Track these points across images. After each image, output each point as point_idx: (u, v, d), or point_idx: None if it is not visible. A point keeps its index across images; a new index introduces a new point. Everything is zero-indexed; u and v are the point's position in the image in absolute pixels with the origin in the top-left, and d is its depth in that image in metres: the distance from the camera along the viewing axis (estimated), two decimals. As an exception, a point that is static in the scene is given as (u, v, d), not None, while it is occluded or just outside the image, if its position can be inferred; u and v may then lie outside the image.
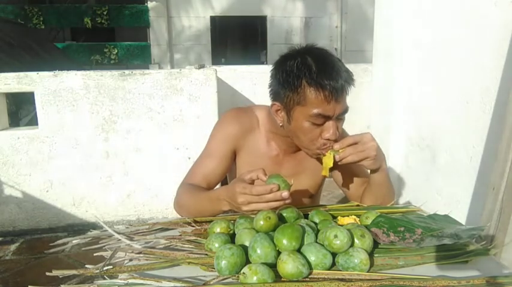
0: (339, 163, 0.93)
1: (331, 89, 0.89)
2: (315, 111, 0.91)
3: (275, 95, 1.00)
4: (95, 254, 0.79)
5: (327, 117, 0.93)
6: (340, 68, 0.93)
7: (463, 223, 0.87)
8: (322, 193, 1.33)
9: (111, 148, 2.70)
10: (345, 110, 0.95)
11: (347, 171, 1.12)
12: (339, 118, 0.96)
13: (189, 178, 1.10)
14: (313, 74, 0.90)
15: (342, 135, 0.99)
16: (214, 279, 0.68)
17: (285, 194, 0.80)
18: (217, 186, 1.14)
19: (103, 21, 9.15)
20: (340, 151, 0.92)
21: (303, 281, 0.66)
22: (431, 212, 0.92)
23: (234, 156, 1.12)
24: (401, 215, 0.89)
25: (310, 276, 0.68)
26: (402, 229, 0.80)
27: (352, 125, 1.22)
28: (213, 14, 9.10)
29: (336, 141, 0.95)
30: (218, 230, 0.83)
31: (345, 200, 1.13)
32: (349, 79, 0.93)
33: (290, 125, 0.98)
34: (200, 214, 0.97)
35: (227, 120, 1.11)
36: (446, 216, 0.89)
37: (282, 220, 0.85)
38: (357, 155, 0.92)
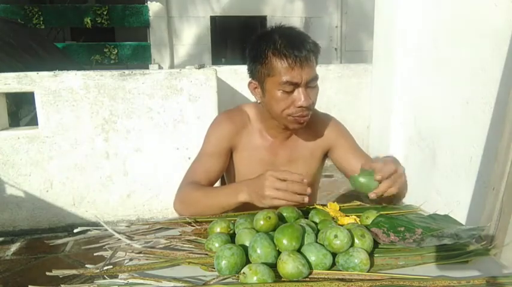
0: (381, 196, 0.87)
1: (293, 57, 0.95)
2: (283, 79, 0.97)
3: (250, 73, 1.07)
4: (95, 254, 0.79)
5: (295, 85, 0.98)
6: (304, 40, 0.99)
7: (463, 223, 0.87)
8: (322, 193, 1.33)
9: (111, 148, 2.70)
10: (314, 77, 1.00)
11: (352, 160, 1.14)
12: (310, 86, 1.00)
13: (189, 177, 1.11)
14: (277, 45, 0.97)
15: (314, 103, 1.04)
16: (214, 279, 0.68)
17: (309, 190, 0.83)
18: (216, 184, 1.15)
19: (103, 21, 9.15)
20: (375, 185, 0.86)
21: (303, 281, 0.66)
22: (431, 212, 0.92)
23: (230, 154, 1.15)
24: (401, 215, 0.89)
25: (310, 276, 0.68)
26: (402, 228, 0.80)
27: (352, 125, 1.23)
28: (213, 14, 9.09)
29: (308, 108, 1.00)
30: (218, 230, 0.83)
31: (345, 199, 1.13)
32: (314, 49, 0.99)
33: (265, 98, 1.04)
34: (208, 209, 0.97)
35: (220, 121, 1.15)
36: (446, 216, 0.89)
37: (282, 219, 0.85)
38: (395, 187, 0.86)
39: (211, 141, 1.13)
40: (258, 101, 1.08)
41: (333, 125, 1.19)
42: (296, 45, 0.96)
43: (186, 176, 1.12)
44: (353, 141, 1.19)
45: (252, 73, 1.06)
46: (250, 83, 1.08)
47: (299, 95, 0.98)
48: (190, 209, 1.01)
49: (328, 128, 1.18)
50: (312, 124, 1.12)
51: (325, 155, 1.21)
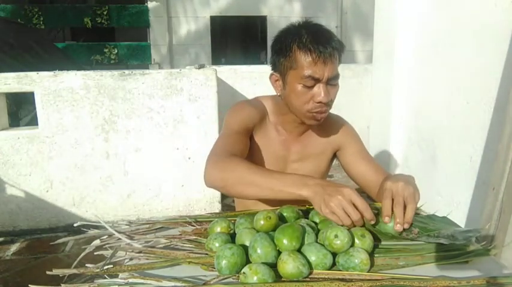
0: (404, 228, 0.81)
1: (318, 52, 0.96)
2: (305, 73, 0.98)
3: (273, 66, 1.09)
4: (95, 254, 0.79)
5: (317, 80, 0.99)
6: (330, 37, 1.00)
7: (464, 223, 0.87)
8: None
9: (111, 148, 2.70)
10: (336, 75, 1.01)
11: (359, 163, 1.16)
12: (331, 84, 1.01)
13: (217, 152, 1.01)
14: (302, 39, 0.98)
15: (333, 101, 1.04)
16: (214, 279, 0.68)
17: (372, 220, 0.78)
18: None
19: (103, 21, 9.14)
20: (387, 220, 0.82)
21: (303, 281, 0.66)
22: (430, 213, 0.92)
23: (250, 137, 1.11)
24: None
25: (310, 276, 0.68)
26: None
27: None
28: (213, 14, 9.09)
29: (326, 104, 1.01)
30: (218, 229, 0.83)
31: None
32: (339, 47, 1.00)
33: (285, 91, 1.06)
34: (255, 186, 0.88)
35: (242, 105, 1.14)
36: (444, 218, 0.88)
37: (282, 219, 0.85)
38: (410, 210, 0.82)
39: (235, 121, 1.08)
40: (278, 94, 1.10)
41: (344, 127, 1.21)
42: (322, 41, 0.97)
43: (214, 151, 1.01)
44: (362, 146, 1.21)
45: (275, 65, 1.07)
46: (271, 75, 1.10)
47: (319, 90, 0.99)
48: (230, 181, 0.92)
49: (340, 129, 1.20)
50: (325, 123, 1.13)
51: (334, 155, 1.23)
